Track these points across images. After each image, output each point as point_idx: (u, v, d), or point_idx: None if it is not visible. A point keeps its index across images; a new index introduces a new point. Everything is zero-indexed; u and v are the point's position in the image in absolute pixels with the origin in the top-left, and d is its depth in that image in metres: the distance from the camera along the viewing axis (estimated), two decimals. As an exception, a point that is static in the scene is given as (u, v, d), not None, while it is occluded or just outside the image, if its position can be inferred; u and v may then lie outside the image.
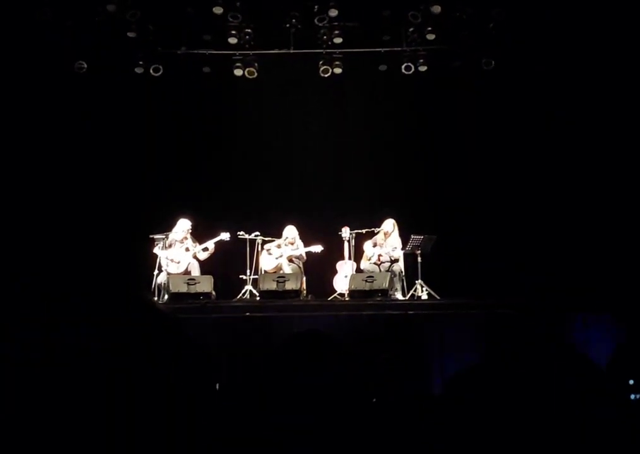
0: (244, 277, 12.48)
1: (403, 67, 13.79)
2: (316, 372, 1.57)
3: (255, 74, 13.97)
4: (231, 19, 13.34)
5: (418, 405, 5.39)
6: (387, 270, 12.30)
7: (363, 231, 12.63)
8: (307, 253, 12.78)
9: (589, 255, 12.29)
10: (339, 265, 12.69)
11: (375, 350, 9.79)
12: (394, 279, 12.10)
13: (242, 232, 12.61)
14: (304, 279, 12.32)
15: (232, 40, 13.56)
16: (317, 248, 12.67)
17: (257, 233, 12.68)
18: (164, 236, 12.30)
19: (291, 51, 13.99)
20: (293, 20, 13.55)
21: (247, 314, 10.36)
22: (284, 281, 11.84)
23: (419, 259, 12.30)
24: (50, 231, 13.11)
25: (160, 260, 12.26)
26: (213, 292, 11.94)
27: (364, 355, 5.29)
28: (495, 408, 1.43)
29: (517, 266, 13.20)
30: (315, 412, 1.54)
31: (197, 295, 11.70)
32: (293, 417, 1.54)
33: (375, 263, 12.54)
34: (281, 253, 12.74)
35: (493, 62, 13.62)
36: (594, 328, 9.92)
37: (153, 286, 12.01)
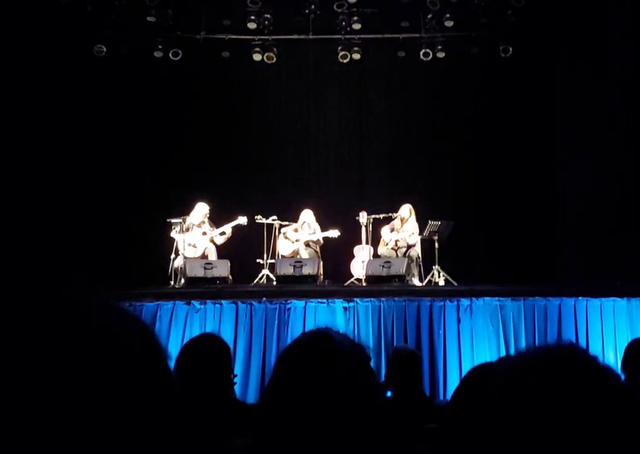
0: (261, 262, 12.48)
1: (421, 53, 13.83)
2: (325, 377, 1.57)
3: (274, 59, 14.06)
4: (250, 5, 13.37)
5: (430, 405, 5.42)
6: (404, 256, 12.30)
7: (381, 216, 12.58)
8: (324, 237, 12.79)
9: (603, 241, 12.25)
10: (356, 250, 12.70)
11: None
12: (411, 264, 12.09)
13: (259, 217, 12.59)
14: (321, 263, 12.30)
15: (251, 25, 13.62)
16: (334, 233, 12.67)
17: (275, 217, 12.67)
18: (181, 220, 12.31)
19: (310, 36, 14.05)
20: (312, 6, 13.57)
21: (264, 298, 10.37)
22: (301, 266, 11.83)
23: (436, 245, 12.27)
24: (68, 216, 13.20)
25: (176, 243, 12.29)
26: (230, 277, 11.95)
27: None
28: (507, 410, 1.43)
29: (533, 252, 13.24)
30: (321, 419, 1.54)
31: (213, 279, 11.70)
32: (298, 424, 1.54)
33: (392, 249, 12.55)
34: (298, 238, 12.76)
35: (511, 49, 13.62)
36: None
37: (169, 270, 12.06)
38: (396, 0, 13.56)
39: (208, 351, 4.18)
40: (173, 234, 12.36)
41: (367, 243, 12.46)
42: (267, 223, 12.61)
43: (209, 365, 4.07)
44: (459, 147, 14.40)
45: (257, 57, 13.93)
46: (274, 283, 11.98)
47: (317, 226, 12.86)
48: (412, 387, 5.53)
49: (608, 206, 11.96)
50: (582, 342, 9.48)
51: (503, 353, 9.74)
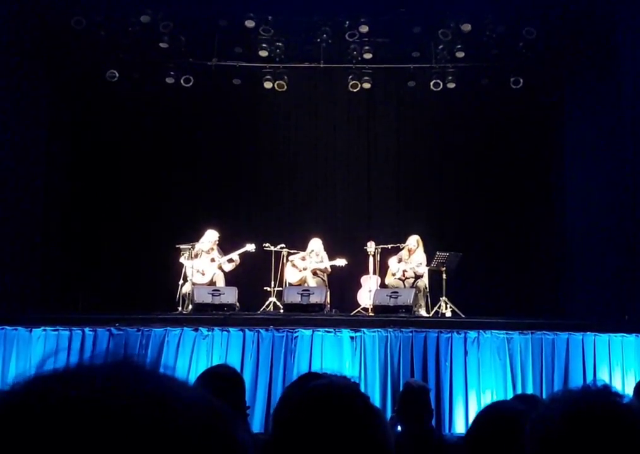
0: (268, 289, 12.49)
1: (432, 83, 13.85)
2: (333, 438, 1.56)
3: (285, 87, 14.08)
4: (262, 33, 13.44)
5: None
6: (412, 286, 12.27)
7: (389, 246, 12.58)
8: (331, 266, 12.79)
9: (612, 276, 12.21)
10: (364, 280, 12.69)
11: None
12: (418, 295, 12.07)
13: (267, 244, 12.59)
14: (328, 292, 12.28)
15: (263, 53, 13.67)
16: (342, 262, 12.65)
17: (283, 245, 12.68)
18: (190, 246, 12.33)
19: (321, 65, 14.09)
20: (324, 35, 13.62)
21: (271, 327, 10.37)
22: (309, 294, 11.79)
23: (444, 276, 12.27)
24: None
25: (185, 269, 12.31)
26: (237, 304, 11.93)
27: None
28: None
29: (541, 285, 13.21)
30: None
31: (221, 306, 11.65)
32: None
33: (399, 279, 12.54)
34: (306, 266, 12.76)
35: (521, 81, 13.66)
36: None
37: (177, 296, 12.07)
38: (407, 31, 13.60)
39: (224, 383, 4.17)
40: (182, 260, 12.39)
41: (374, 272, 12.44)
42: (275, 251, 12.61)
43: (224, 397, 4.05)
44: (468, 178, 14.44)
45: (267, 84, 13.98)
46: (281, 311, 11.97)
47: (324, 255, 12.84)
48: (422, 423, 5.51)
49: (617, 241, 11.94)
50: (590, 378, 9.45)
51: (510, 387, 9.73)
